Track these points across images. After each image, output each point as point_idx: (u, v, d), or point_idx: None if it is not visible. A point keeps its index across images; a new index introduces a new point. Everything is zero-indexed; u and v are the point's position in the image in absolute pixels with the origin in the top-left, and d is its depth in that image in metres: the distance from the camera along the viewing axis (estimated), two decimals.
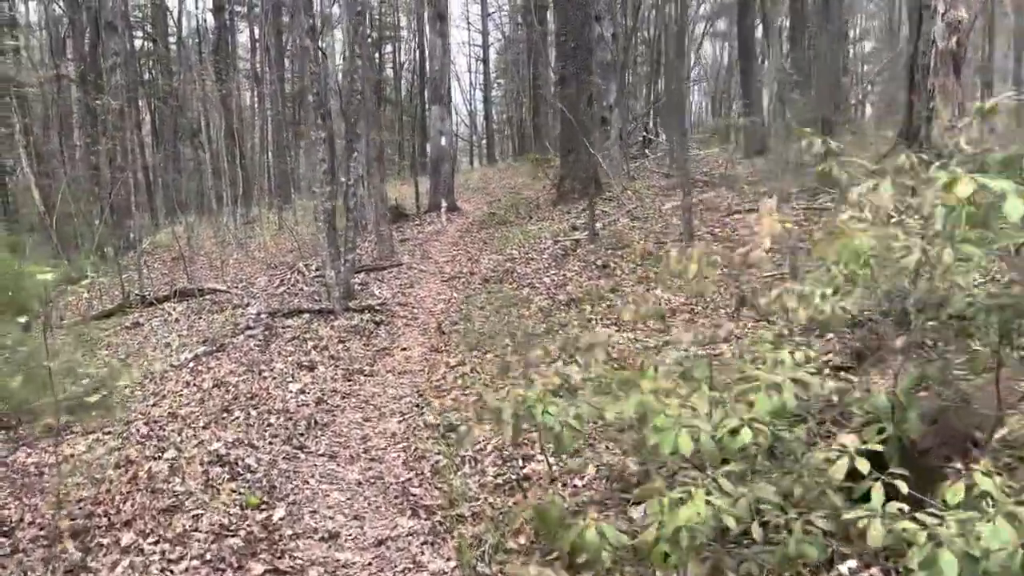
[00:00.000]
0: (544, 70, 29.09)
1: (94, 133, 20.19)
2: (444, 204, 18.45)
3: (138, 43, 30.82)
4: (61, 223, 21.01)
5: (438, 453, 5.37)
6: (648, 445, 3.03)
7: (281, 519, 4.54)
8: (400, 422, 6.33)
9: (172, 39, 30.40)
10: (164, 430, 6.70)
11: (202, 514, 4.61)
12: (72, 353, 10.43)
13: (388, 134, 23.24)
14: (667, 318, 6.04)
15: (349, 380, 7.53)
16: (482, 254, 13.22)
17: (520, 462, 4.81)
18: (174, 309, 12.95)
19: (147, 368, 9.13)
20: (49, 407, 6.77)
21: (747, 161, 16.92)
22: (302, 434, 6.03)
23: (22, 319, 4.08)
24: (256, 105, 30.27)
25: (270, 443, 5.88)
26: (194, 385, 8.16)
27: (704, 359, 3.57)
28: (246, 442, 5.89)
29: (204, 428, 6.55)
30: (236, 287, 13.94)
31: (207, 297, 13.28)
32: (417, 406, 6.61)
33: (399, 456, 5.54)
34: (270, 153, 26.05)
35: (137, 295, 14.08)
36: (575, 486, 4.35)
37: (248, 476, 5.25)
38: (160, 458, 5.96)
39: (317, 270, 13.68)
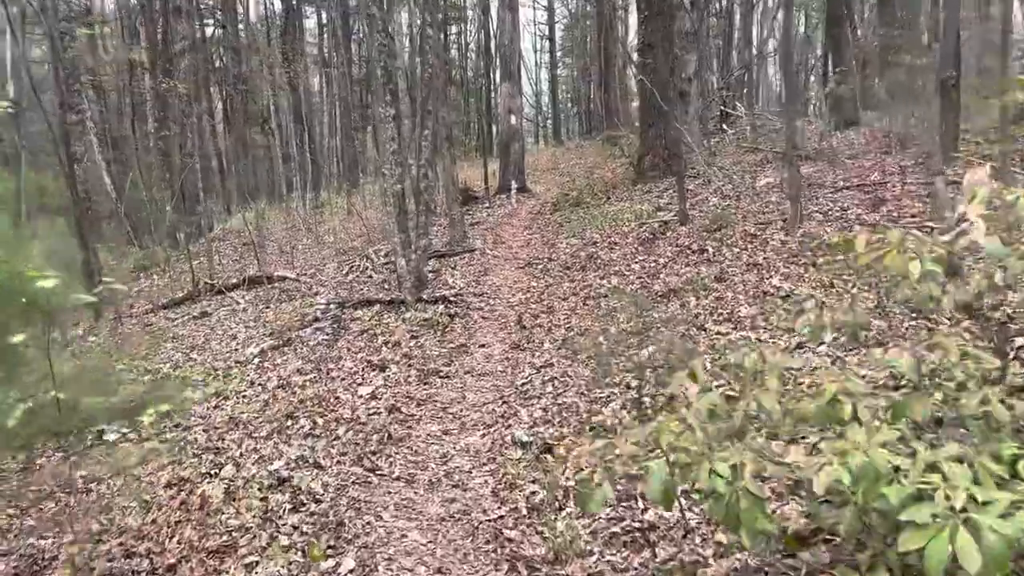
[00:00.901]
0: (615, 45, 27.72)
1: (164, 119, 19.87)
2: (515, 185, 17.49)
3: (209, 31, 30.65)
4: (135, 209, 20.84)
5: (533, 481, 4.42)
6: (884, 536, 2.02)
7: (351, 572, 3.66)
8: (484, 436, 5.41)
9: (241, 25, 30.03)
10: (224, 440, 5.95)
11: (257, 562, 3.78)
12: (139, 349, 9.86)
13: (455, 115, 22.38)
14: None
15: (424, 383, 6.64)
16: (559, 238, 12.21)
17: (640, 503, 3.83)
18: (243, 298, 12.37)
19: (210, 366, 8.46)
20: (101, 413, 6.05)
21: (838, 134, 15.44)
22: (374, 452, 5.16)
23: (16, 337, 3.23)
24: (324, 89, 29.80)
25: (338, 462, 5.03)
26: (259, 384, 7.42)
27: (926, 393, 2.52)
28: (311, 461, 5.05)
29: (266, 439, 5.77)
30: (305, 274, 13.30)
31: (276, 285, 12.67)
32: (502, 416, 5.67)
33: (487, 482, 4.61)
34: (338, 137, 25.47)
35: (207, 283, 13.58)
36: (718, 542, 3.34)
37: (312, 507, 4.40)
38: (216, 476, 5.19)
39: (386, 256, 12.90)
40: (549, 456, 4.72)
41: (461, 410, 6.00)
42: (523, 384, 6.26)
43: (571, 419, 5.26)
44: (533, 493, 4.28)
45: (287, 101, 26.30)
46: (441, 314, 8.47)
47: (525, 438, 5.08)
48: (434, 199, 14.69)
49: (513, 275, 10.38)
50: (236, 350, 9.05)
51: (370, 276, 11.86)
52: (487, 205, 17.36)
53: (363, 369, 7.12)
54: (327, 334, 8.62)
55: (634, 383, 5.39)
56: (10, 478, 5.69)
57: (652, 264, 8.66)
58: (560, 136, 36.43)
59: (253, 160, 31.33)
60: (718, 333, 5.99)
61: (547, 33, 37.69)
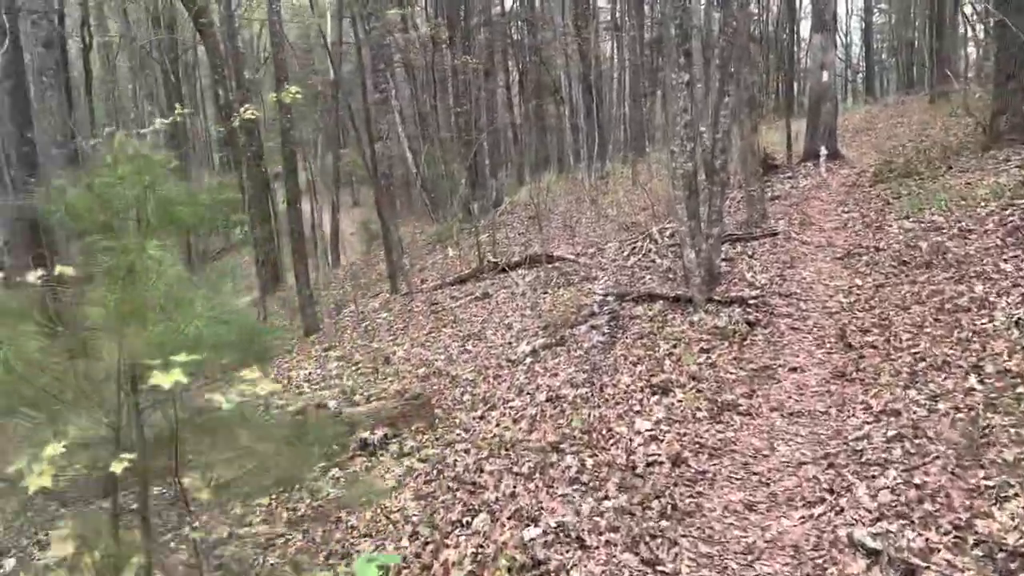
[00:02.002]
0: None
1: (464, 93, 20.03)
2: (824, 151, 14.90)
3: (508, 4, 31.04)
4: (435, 184, 21.49)
5: None
6: None
7: None
8: (804, 522, 3.87)
9: None
10: (482, 472, 5.05)
11: None
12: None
13: (755, 74, 19.75)
14: None
15: (717, 420, 5.19)
16: (885, 219, 9.82)
17: None
18: (522, 279, 11.72)
19: (482, 363, 7.75)
20: (364, 421, 5.49)
21: None
22: (652, 533, 3.87)
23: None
24: (614, 55, 28.68)
25: (607, 542, 3.83)
26: (527, 394, 6.50)
27: None
28: (574, 533, 3.91)
29: (528, 478, 4.77)
30: (585, 254, 12.33)
31: (555, 266, 11.86)
32: (830, 491, 4.07)
33: None
34: (626, 104, 24.22)
35: (490, 261, 13.21)
36: None
37: None
38: (467, 527, 4.28)
39: (671, 237, 11.45)
40: None
41: (769, 470, 4.48)
42: (856, 439, 4.55)
43: (941, 517, 3.53)
44: None
45: (577, 70, 25.59)
46: (737, 321, 6.87)
47: (869, 541, 3.46)
48: (727, 171, 12.87)
49: (828, 268, 8.39)
50: (510, 343, 8.29)
51: (653, 261, 10.52)
52: (788, 175, 15.02)
53: (641, 390, 5.85)
54: (603, 334, 7.48)
55: None
56: (269, 489, 5.33)
57: None
58: (873, 92, 31.70)
59: (544, 131, 31.28)
60: None
61: None
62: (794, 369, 5.89)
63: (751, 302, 7.21)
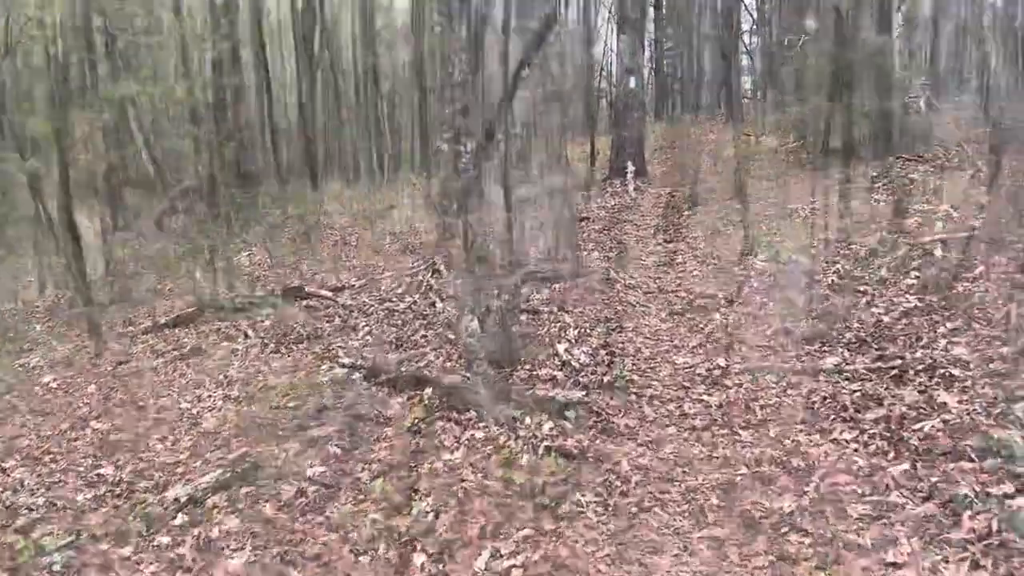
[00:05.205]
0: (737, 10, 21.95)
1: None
2: (632, 168, 12.50)
3: None
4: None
5: None
6: None
7: None
8: None
9: None
10: None
11: None
12: None
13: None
14: None
15: None
16: (722, 251, 7.27)
17: None
18: (257, 324, 7.97)
19: (103, 520, 3.97)
20: None
21: None
22: None
23: None
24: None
25: None
26: None
27: None
28: None
29: None
30: (353, 285, 8.84)
31: (309, 304, 8.28)
32: None
33: None
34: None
35: (224, 295, 9.29)
36: None
37: None
38: None
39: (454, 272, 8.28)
40: None
41: None
42: None
43: None
44: None
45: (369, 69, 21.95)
46: (549, 436, 3.69)
47: None
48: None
49: (668, 331, 5.51)
50: (178, 464, 4.58)
51: (433, 304, 7.25)
52: (592, 192, 12.48)
53: None
54: (327, 463, 4.04)
55: None
56: None
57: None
58: (661, 112, 30.80)
59: (339, 135, 27.21)
60: None
61: None
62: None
63: (568, 407, 4.07)
